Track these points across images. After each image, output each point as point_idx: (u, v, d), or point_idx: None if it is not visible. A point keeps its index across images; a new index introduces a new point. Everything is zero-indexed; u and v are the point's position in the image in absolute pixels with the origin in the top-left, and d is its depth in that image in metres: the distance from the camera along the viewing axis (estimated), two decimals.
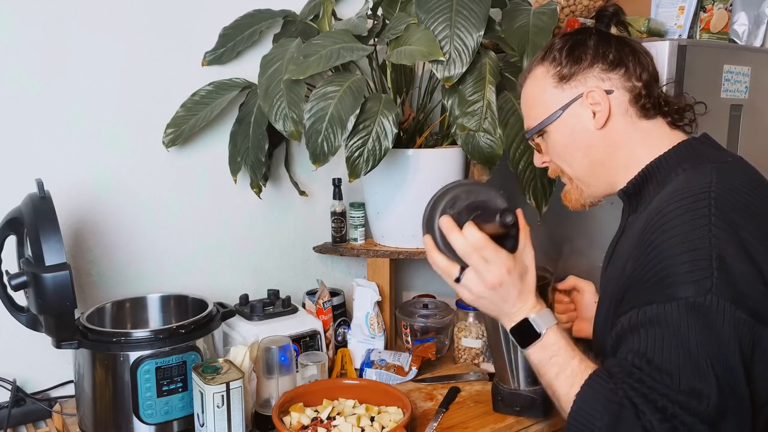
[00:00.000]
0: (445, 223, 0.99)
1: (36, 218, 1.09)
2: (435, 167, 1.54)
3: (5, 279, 1.15)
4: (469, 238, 0.94)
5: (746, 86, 1.62)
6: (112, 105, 1.44)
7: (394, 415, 1.20)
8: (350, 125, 1.31)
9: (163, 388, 1.16)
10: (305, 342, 1.41)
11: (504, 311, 0.97)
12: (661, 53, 1.40)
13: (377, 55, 1.55)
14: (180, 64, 1.51)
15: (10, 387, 1.31)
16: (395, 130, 1.33)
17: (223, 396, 1.10)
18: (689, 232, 0.83)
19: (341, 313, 1.63)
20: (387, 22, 1.51)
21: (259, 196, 1.56)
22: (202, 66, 1.53)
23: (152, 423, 1.17)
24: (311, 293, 1.61)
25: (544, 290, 1.20)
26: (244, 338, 1.35)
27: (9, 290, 1.15)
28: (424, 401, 1.34)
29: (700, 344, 0.80)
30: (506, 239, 0.97)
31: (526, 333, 0.95)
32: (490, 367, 1.43)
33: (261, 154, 1.47)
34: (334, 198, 1.66)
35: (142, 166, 1.49)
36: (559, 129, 1.05)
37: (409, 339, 1.60)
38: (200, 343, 1.21)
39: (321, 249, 1.69)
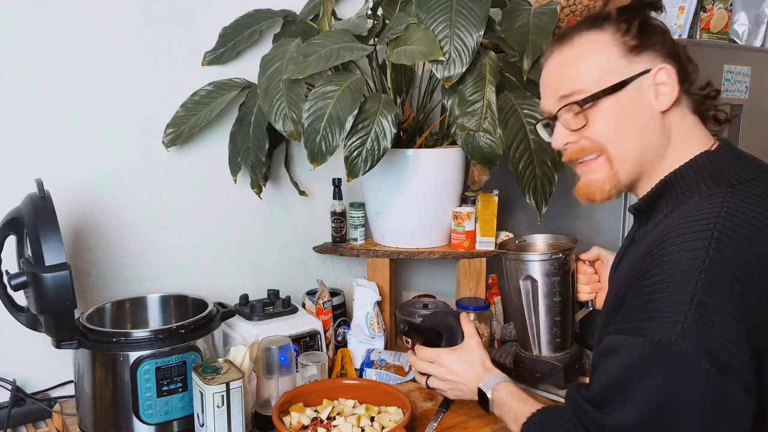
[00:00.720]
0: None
1: (36, 218, 1.09)
2: (435, 167, 1.54)
3: (5, 279, 1.15)
4: (419, 356, 1.24)
5: (746, 86, 1.62)
6: (112, 105, 1.44)
7: (394, 415, 1.20)
8: (348, 125, 1.31)
9: (163, 388, 1.16)
10: (305, 342, 1.41)
11: (469, 390, 1.17)
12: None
13: (377, 55, 1.55)
14: (180, 64, 1.51)
15: (10, 387, 1.31)
16: (394, 131, 1.33)
17: (223, 396, 1.10)
18: (681, 272, 0.82)
19: (341, 313, 1.63)
20: (387, 21, 1.51)
21: (259, 196, 1.56)
22: (202, 66, 1.53)
23: (152, 423, 1.17)
24: (311, 293, 1.61)
25: (567, 260, 1.27)
26: (244, 338, 1.35)
27: (9, 290, 1.15)
28: (424, 401, 1.34)
29: (646, 380, 0.80)
30: (455, 338, 1.25)
31: (482, 399, 1.14)
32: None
33: (261, 154, 1.47)
34: (334, 198, 1.66)
35: (142, 166, 1.49)
36: (620, 101, 0.94)
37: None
38: (200, 343, 1.21)
39: (321, 249, 1.69)
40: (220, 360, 1.17)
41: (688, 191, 0.92)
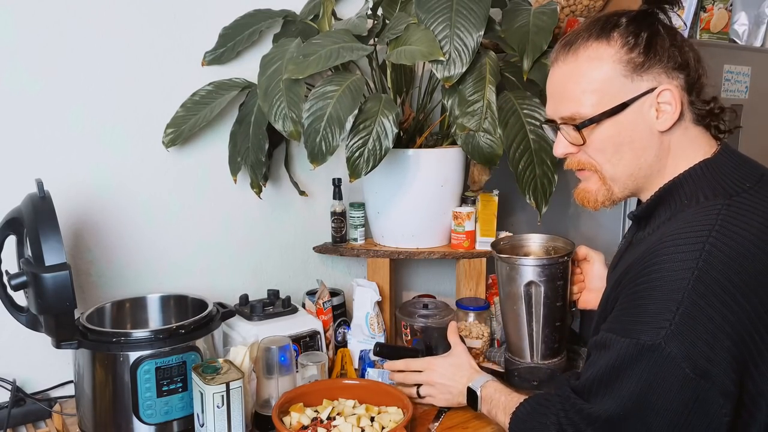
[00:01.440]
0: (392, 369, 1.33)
1: (36, 218, 1.09)
2: (435, 167, 1.54)
3: (5, 279, 1.15)
4: (408, 367, 1.30)
5: (746, 86, 1.62)
6: (112, 105, 1.44)
7: (394, 416, 1.20)
8: (349, 125, 1.31)
9: (163, 388, 1.16)
10: (305, 342, 1.41)
11: (458, 392, 1.22)
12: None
13: (377, 55, 1.55)
14: (180, 64, 1.51)
15: (9, 387, 1.31)
16: (395, 130, 1.33)
17: (223, 396, 1.10)
18: (670, 281, 0.84)
19: (341, 313, 1.63)
20: (387, 21, 1.51)
21: (259, 196, 1.56)
22: (202, 66, 1.53)
23: (152, 423, 1.17)
24: (311, 293, 1.60)
25: (566, 265, 1.28)
26: (244, 338, 1.35)
27: (9, 290, 1.15)
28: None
29: (629, 378, 0.85)
30: (441, 347, 1.33)
31: (471, 399, 1.19)
32: (491, 367, 1.43)
33: (261, 154, 1.47)
34: (334, 198, 1.66)
35: (142, 166, 1.49)
36: (618, 123, 0.95)
37: (410, 339, 1.59)
38: (200, 343, 1.21)
39: (321, 249, 1.69)
40: (220, 360, 1.17)
41: (686, 200, 0.94)
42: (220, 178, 1.58)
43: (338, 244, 1.67)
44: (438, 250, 1.60)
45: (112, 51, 1.42)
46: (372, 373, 1.43)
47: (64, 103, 1.38)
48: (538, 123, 1.15)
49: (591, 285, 1.30)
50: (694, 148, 0.97)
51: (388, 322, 1.62)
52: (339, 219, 1.66)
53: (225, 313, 1.32)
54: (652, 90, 0.93)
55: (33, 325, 1.20)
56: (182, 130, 1.48)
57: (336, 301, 1.61)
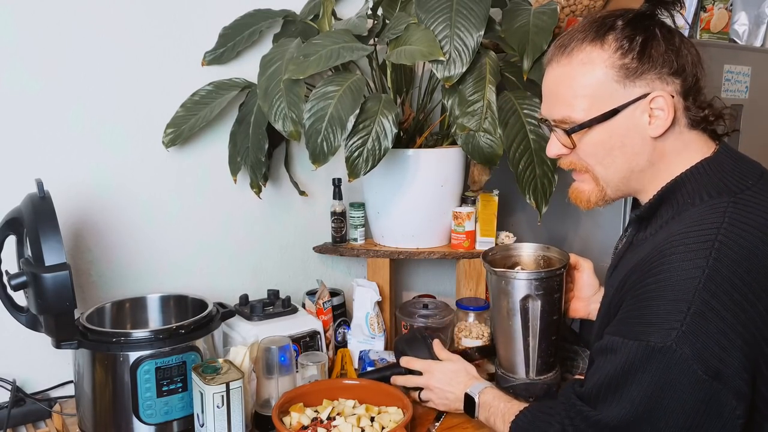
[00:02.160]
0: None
1: (36, 218, 1.09)
2: (435, 167, 1.54)
3: (5, 279, 1.15)
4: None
5: (746, 86, 1.62)
6: (112, 105, 1.44)
7: (394, 416, 1.20)
8: (350, 125, 1.31)
9: (163, 389, 1.16)
10: (305, 342, 1.41)
11: (455, 398, 1.21)
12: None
13: (377, 55, 1.55)
14: (180, 64, 1.51)
15: (9, 387, 1.31)
16: (395, 130, 1.33)
17: (223, 396, 1.10)
18: (680, 281, 0.83)
19: (341, 314, 1.63)
20: (387, 21, 1.51)
21: (258, 196, 1.56)
22: (202, 66, 1.53)
23: (152, 423, 1.17)
24: (311, 293, 1.60)
25: (563, 277, 1.25)
26: (244, 338, 1.35)
27: (9, 290, 1.15)
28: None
29: (639, 382, 0.83)
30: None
31: (468, 404, 1.17)
32: (491, 368, 1.43)
33: (261, 154, 1.47)
34: (334, 198, 1.66)
35: (142, 166, 1.49)
36: (609, 129, 0.94)
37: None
38: (200, 343, 1.21)
39: (321, 249, 1.69)
40: (220, 360, 1.17)
41: (689, 199, 0.93)
42: (220, 178, 1.58)
43: (338, 244, 1.67)
44: (438, 250, 1.60)
45: (112, 51, 1.42)
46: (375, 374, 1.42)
47: (64, 103, 1.38)
48: (537, 123, 1.15)
49: (580, 294, 1.29)
50: (689, 151, 0.96)
51: (388, 322, 1.62)
52: (339, 219, 1.66)
53: (225, 313, 1.32)
54: (645, 96, 0.92)
55: (33, 325, 1.20)
56: (182, 130, 1.48)
57: (336, 301, 1.61)
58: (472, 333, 1.51)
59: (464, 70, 1.35)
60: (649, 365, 0.82)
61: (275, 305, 1.47)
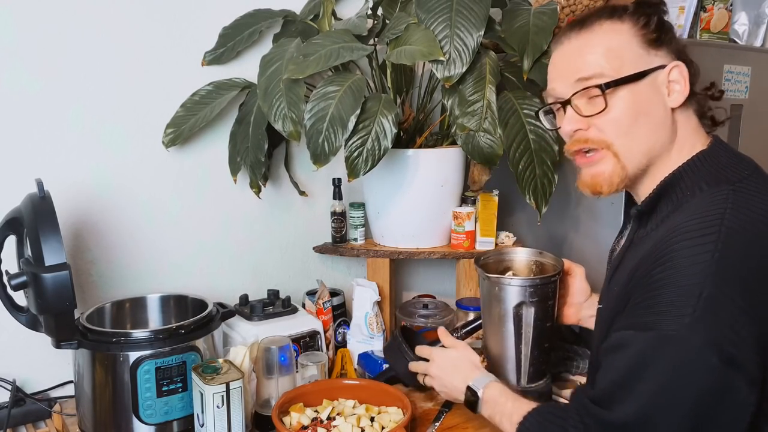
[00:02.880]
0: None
1: (36, 218, 1.09)
2: (435, 167, 1.54)
3: (5, 279, 1.15)
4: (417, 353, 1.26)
5: (746, 86, 1.62)
6: (112, 105, 1.44)
7: (394, 416, 1.20)
8: (351, 125, 1.31)
9: (163, 389, 1.16)
10: (305, 342, 1.41)
11: (454, 388, 1.15)
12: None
13: (377, 55, 1.55)
14: (180, 64, 1.51)
15: (9, 387, 1.31)
16: (395, 130, 1.33)
17: (222, 396, 1.10)
18: (688, 267, 0.82)
19: (341, 314, 1.63)
20: (387, 21, 1.51)
21: (258, 196, 1.56)
22: (202, 66, 1.53)
23: (152, 423, 1.17)
24: (311, 293, 1.60)
25: (557, 283, 1.22)
26: (244, 338, 1.35)
27: (9, 290, 1.15)
28: (424, 401, 1.34)
29: (653, 373, 0.81)
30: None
31: (470, 398, 1.11)
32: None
33: (260, 154, 1.47)
34: (334, 198, 1.66)
35: (142, 166, 1.49)
36: (637, 93, 0.94)
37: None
38: (200, 343, 1.21)
39: (321, 249, 1.69)
40: (220, 360, 1.17)
41: (689, 191, 0.93)
42: (220, 178, 1.58)
43: (338, 244, 1.67)
44: (438, 250, 1.60)
45: (112, 51, 1.42)
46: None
47: (64, 103, 1.38)
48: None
49: (572, 299, 1.27)
50: (694, 137, 0.98)
51: (388, 322, 1.62)
52: (339, 219, 1.66)
53: (225, 313, 1.32)
54: (664, 66, 0.94)
55: (33, 325, 1.20)
56: (182, 130, 1.48)
57: (336, 301, 1.61)
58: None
59: (464, 70, 1.35)
60: (662, 354, 0.80)
61: (275, 305, 1.47)
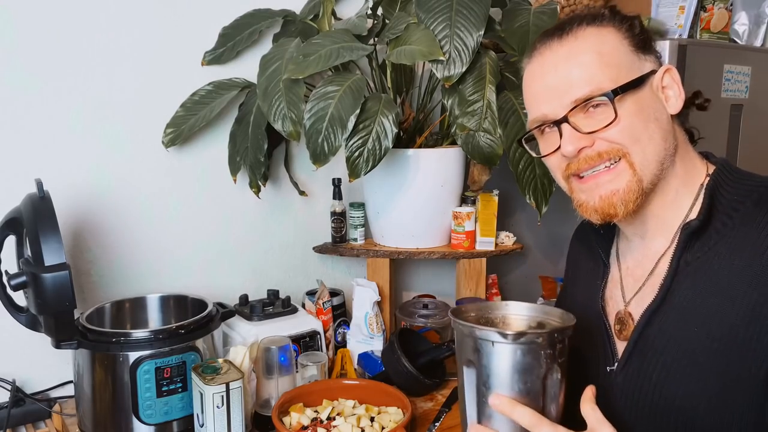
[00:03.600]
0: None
1: (35, 218, 1.09)
2: (435, 167, 1.54)
3: (5, 279, 1.15)
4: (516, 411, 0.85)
5: (746, 86, 1.62)
6: (112, 105, 1.44)
7: (394, 416, 1.19)
8: (351, 125, 1.31)
9: (163, 389, 1.16)
10: (305, 342, 1.41)
11: None
12: (662, 53, 1.40)
13: (377, 55, 1.55)
14: (180, 64, 1.51)
15: (9, 387, 1.31)
16: (395, 130, 1.33)
17: (222, 396, 1.09)
18: None
19: (341, 314, 1.63)
20: (387, 21, 1.51)
21: (258, 196, 1.56)
22: (202, 66, 1.53)
23: (152, 423, 1.17)
24: (311, 293, 1.60)
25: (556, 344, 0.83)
26: (244, 338, 1.35)
27: (8, 290, 1.15)
28: (425, 401, 1.34)
29: None
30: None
31: None
32: None
33: (260, 154, 1.46)
34: (334, 198, 1.66)
35: (142, 166, 1.49)
36: (641, 99, 0.84)
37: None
38: (200, 343, 1.21)
39: (321, 249, 1.69)
40: (220, 360, 1.17)
41: (740, 201, 0.83)
42: (219, 178, 1.57)
43: (338, 244, 1.67)
44: (438, 250, 1.60)
45: (112, 51, 1.42)
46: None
47: (64, 103, 1.38)
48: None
49: None
50: (689, 147, 0.91)
51: (388, 322, 1.62)
52: (339, 219, 1.66)
53: (225, 313, 1.32)
54: (654, 72, 0.86)
55: (33, 325, 1.20)
56: (182, 130, 1.48)
57: (336, 301, 1.61)
58: None
59: (464, 69, 1.35)
60: None
61: (275, 305, 1.47)
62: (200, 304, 1.32)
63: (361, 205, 1.66)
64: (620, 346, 0.93)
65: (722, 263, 0.82)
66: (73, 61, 1.38)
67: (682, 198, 0.88)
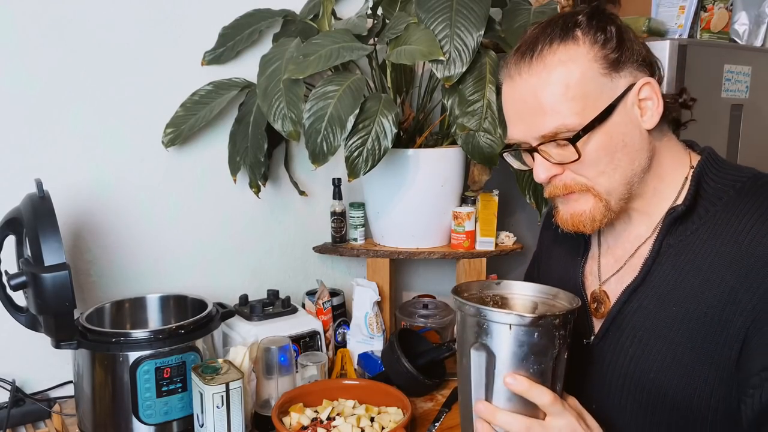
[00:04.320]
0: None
1: (35, 218, 1.09)
2: (435, 167, 1.54)
3: (4, 279, 1.15)
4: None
5: (747, 86, 1.62)
6: (112, 105, 1.43)
7: (394, 416, 1.19)
8: (350, 125, 1.31)
9: (163, 389, 1.16)
10: (305, 342, 1.41)
11: None
12: (662, 53, 1.40)
13: (377, 55, 1.55)
14: (180, 64, 1.50)
15: (9, 387, 1.31)
16: (395, 130, 1.33)
17: (222, 396, 1.09)
18: None
19: (341, 314, 1.63)
20: (387, 21, 1.51)
21: (258, 196, 1.56)
22: (202, 66, 1.53)
23: (152, 423, 1.17)
24: (311, 293, 1.60)
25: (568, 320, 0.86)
26: (244, 338, 1.35)
27: (8, 290, 1.15)
28: (425, 401, 1.34)
29: None
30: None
31: None
32: None
33: (260, 154, 1.46)
34: (334, 198, 1.66)
35: (142, 166, 1.49)
36: (608, 129, 0.84)
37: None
38: (200, 343, 1.21)
39: (321, 249, 1.69)
40: (220, 360, 1.17)
41: (723, 189, 0.86)
42: (219, 177, 1.57)
43: (338, 244, 1.67)
44: (438, 250, 1.60)
45: (112, 51, 1.42)
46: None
47: (64, 103, 1.38)
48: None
49: None
50: (674, 148, 0.91)
51: (387, 323, 1.62)
52: (339, 219, 1.66)
53: (225, 313, 1.31)
54: (631, 87, 0.85)
55: (32, 325, 1.20)
56: (182, 130, 1.48)
57: (336, 301, 1.61)
58: None
59: (464, 69, 1.34)
60: None
61: (275, 305, 1.47)
62: (200, 304, 1.32)
63: (361, 205, 1.66)
64: (596, 323, 0.97)
65: (703, 247, 0.85)
66: (73, 62, 1.38)
67: (665, 190, 0.91)
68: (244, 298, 1.49)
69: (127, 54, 1.44)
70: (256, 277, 1.68)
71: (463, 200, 1.61)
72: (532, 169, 0.91)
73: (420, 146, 1.56)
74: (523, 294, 0.97)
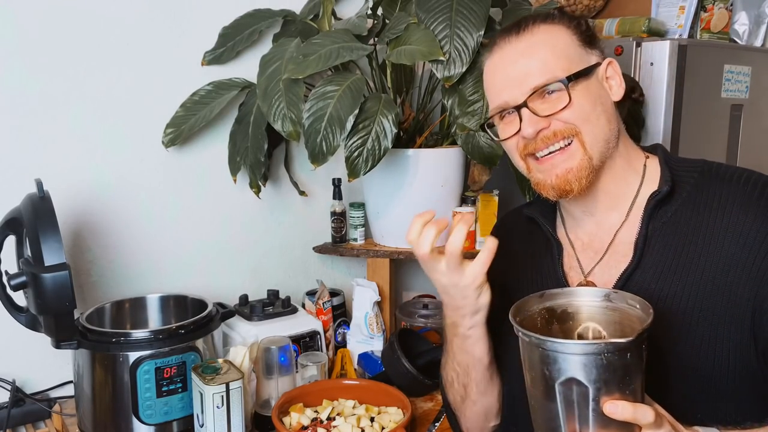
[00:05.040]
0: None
1: (35, 218, 1.09)
2: (435, 167, 1.54)
3: (5, 279, 1.15)
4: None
5: (747, 86, 1.62)
6: (112, 105, 1.44)
7: (394, 416, 1.20)
8: (349, 125, 1.31)
9: (163, 389, 1.16)
10: (305, 342, 1.41)
11: None
12: (662, 53, 1.40)
13: (377, 55, 1.55)
14: (180, 64, 1.51)
15: (9, 387, 1.31)
16: (395, 130, 1.33)
17: (222, 396, 1.09)
18: None
19: (341, 314, 1.63)
20: (387, 21, 1.51)
21: (258, 196, 1.56)
22: (202, 66, 1.53)
23: (152, 423, 1.17)
24: (311, 293, 1.60)
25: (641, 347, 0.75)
26: (244, 338, 1.35)
27: (8, 290, 1.15)
28: (425, 401, 1.34)
29: None
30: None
31: None
32: None
33: (260, 154, 1.46)
34: (334, 198, 1.66)
35: (142, 166, 1.49)
36: (589, 87, 0.93)
37: None
38: (200, 343, 1.21)
39: (321, 249, 1.69)
40: (220, 360, 1.17)
41: (687, 174, 0.95)
42: (219, 178, 1.57)
43: (338, 244, 1.67)
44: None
45: (112, 51, 1.42)
46: None
47: (64, 103, 1.38)
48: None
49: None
50: (626, 135, 1.00)
51: (388, 323, 1.62)
52: (339, 219, 1.66)
53: (225, 313, 1.32)
54: (599, 64, 0.96)
55: (32, 325, 1.20)
56: (182, 130, 1.48)
57: (336, 301, 1.61)
58: None
59: (464, 69, 1.34)
60: None
61: (275, 305, 1.47)
62: (200, 304, 1.32)
63: (361, 205, 1.66)
64: None
65: (690, 222, 0.91)
66: (73, 61, 1.38)
67: (629, 175, 0.98)
68: (244, 298, 1.49)
69: (128, 54, 1.44)
70: (256, 277, 1.68)
71: (463, 200, 1.61)
72: (513, 135, 0.96)
73: (420, 146, 1.56)
74: (584, 302, 0.87)
